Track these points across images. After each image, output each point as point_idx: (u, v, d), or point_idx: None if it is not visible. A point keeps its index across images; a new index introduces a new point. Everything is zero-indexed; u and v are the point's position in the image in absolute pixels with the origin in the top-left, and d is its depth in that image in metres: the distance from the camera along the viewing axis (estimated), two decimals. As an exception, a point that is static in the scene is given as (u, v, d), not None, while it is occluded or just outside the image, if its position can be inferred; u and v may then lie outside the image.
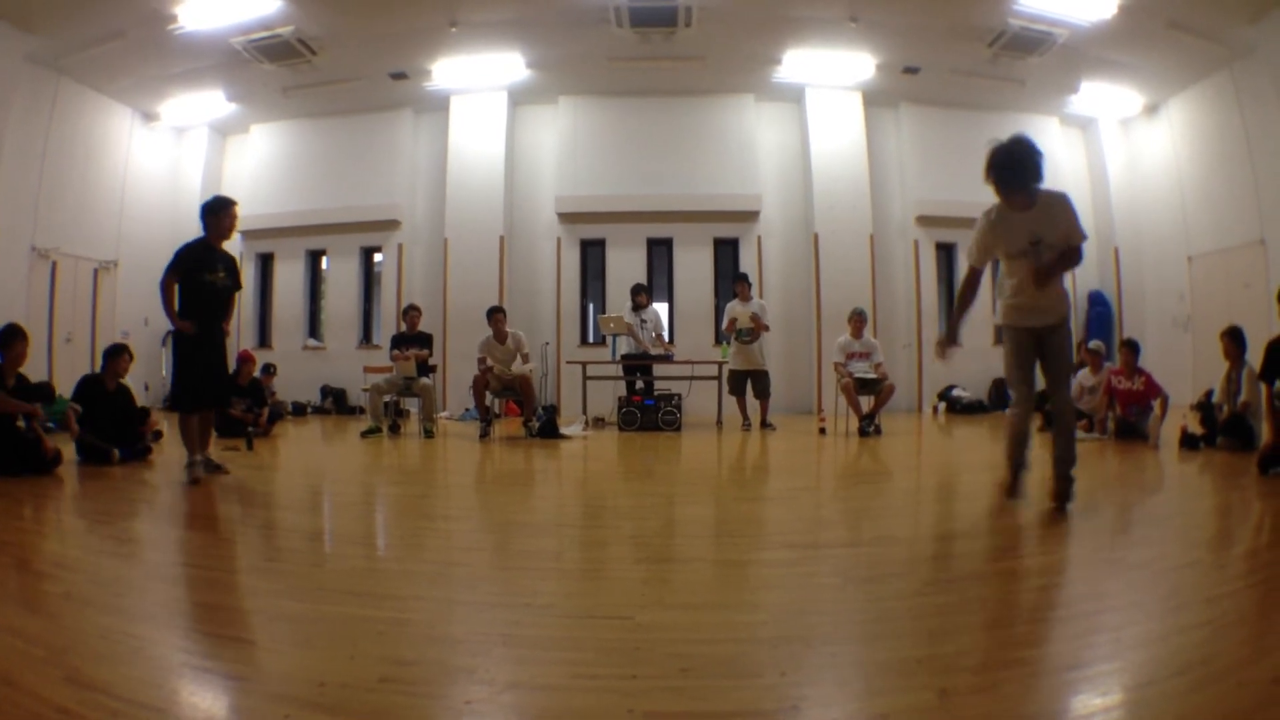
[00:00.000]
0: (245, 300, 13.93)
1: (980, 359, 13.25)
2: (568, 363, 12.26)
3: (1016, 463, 4.41)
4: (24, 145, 10.98)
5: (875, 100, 13.41)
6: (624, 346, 10.63)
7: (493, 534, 4.15)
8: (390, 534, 4.35)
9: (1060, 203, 4.21)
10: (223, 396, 6.42)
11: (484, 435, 8.94)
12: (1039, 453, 4.92)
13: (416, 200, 13.98)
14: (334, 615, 2.60)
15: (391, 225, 13.75)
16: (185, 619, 2.68)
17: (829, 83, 13.09)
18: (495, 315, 9.42)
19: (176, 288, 5.71)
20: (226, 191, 13.82)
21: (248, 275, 13.93)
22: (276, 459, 7.54)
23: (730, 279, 11.88)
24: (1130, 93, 13.03)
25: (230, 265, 5.97)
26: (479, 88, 13.17)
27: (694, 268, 13.56)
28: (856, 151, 13.37)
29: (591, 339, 13.57)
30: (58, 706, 1.83)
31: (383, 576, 3.27)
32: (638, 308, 10.56)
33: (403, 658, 2.21)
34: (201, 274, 5.71)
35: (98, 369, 7.59)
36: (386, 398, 9.82)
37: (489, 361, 9.14)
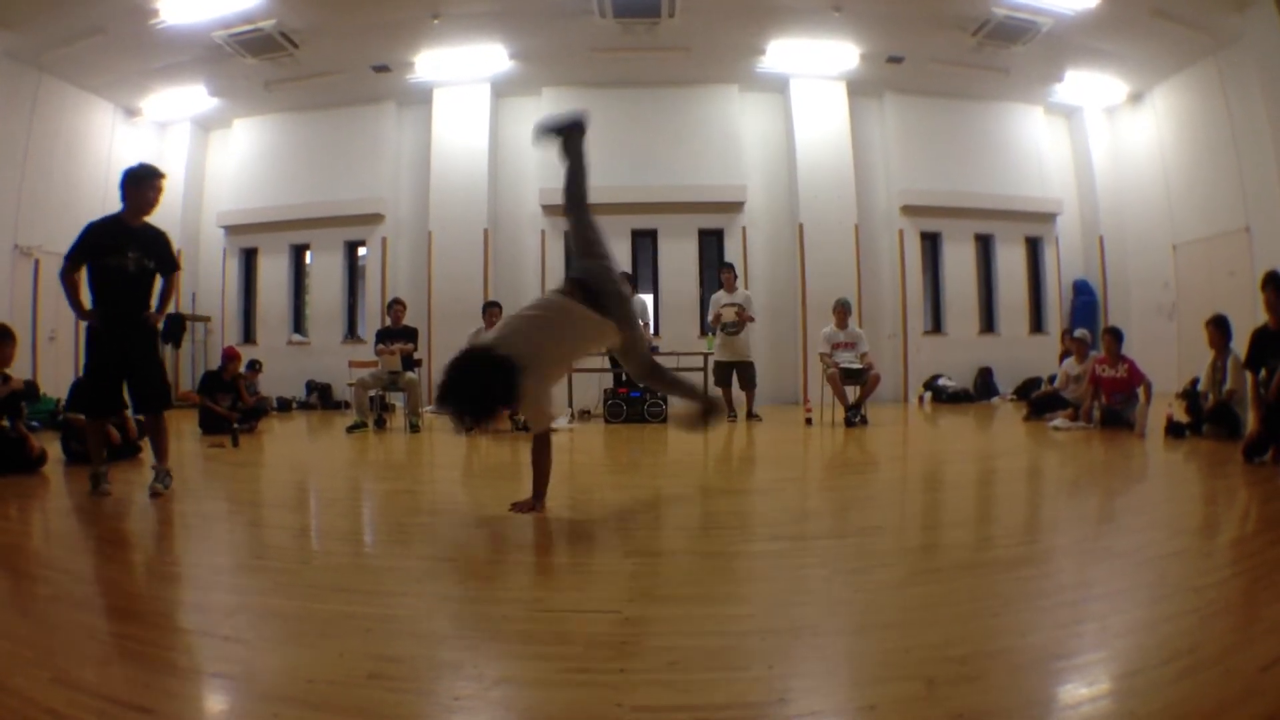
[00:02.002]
0: (229, 296, 13.88)
1: (966, 349, 13.35)
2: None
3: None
4: (5, 143, 10.91)
5: (859, 90, 13.44)
6: (609, 338, 10.59)
7: (479, 528, 4.14)
8: (377, 530, 4.33)
9: None
10: (152, 400, 5.16)
11: (470, 429, 8.90)
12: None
13: (400, 193, 13.91)
14: (322, 612, 2.59)
15: (375, 219, 13.68)
16: (173, 618, 2.67)
17: (813, 72, 13.10)
18: (491, 310, 9.44)
19: (82, 275, 5.02)
20: (210, 186, 13.93)
21: (231, 271, 13.88)
22: (262, 455, 7.50)
23: (715, 270, 11.89)
24: (1115, 81, 13.09)
25: (150, 245, 5.14)
26: (462, 80, 13.12)
27: (679, 259, 13.53)
28: (841, 141, 13.39)
29: (577, 331, 13.46)
30: (46, 708, 1.81)
31: (370, 573, 3.25)
32: (620, 298, 10.50)
33: (391, 654, 2.20)
34: (106, 257, 4.97)
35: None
36: (372, 392, 9.78)
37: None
